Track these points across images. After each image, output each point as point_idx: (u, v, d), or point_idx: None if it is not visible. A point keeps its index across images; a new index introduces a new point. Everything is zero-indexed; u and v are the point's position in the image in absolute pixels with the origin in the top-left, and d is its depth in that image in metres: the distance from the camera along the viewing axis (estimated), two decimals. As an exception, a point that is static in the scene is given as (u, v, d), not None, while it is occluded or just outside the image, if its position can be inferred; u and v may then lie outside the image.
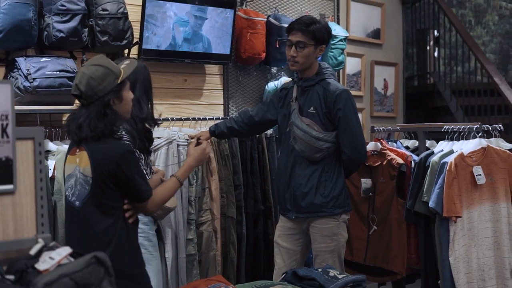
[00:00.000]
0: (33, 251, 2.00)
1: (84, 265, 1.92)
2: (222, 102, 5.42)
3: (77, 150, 3.03)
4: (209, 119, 4.80)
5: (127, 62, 3.19)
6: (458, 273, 3.89)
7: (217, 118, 4.87)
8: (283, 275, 3.45)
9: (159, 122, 4.05)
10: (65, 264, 1.92)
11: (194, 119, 4.73)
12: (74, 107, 3.24)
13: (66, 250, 1.97)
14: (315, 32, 3.86)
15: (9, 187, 2.03)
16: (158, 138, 4.29)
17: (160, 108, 4.97)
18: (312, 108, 3.87)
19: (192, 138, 4.05)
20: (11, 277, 1.86)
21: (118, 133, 3.09)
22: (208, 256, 4.42)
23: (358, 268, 4.36)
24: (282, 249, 4.03)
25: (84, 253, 2.01)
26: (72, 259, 1.96)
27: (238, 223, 4.65)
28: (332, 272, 3.35)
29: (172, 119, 4.47)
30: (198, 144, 3.59)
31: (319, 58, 5.71)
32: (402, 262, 4.24)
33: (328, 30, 3.97)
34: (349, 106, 3.84)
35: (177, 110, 5.09)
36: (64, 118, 4.37)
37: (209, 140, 4.14)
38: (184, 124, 4.77)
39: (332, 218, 3.88)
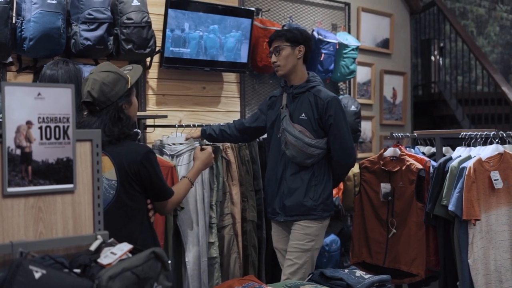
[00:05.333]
0: (93, 247, 2.10)
1: (144, 260, 2.02)
2: (239, 109, 5.54)
3: None
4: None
5: (129, 68, 3.22)
6: (477, 275, 3.99)
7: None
8: (309, 276, 3.55)
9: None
10: (126, 259, 2.02)
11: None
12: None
13: (127, 246, 2.07)
14: (286, 34, 4.08)
15: (69, 186, 2.13)
16: (181, 144, 4.39)
17: (180, 115, 5.09)
18: (303, 114, 4.01)
19: (186, 139, 4.32)
20: (77, 270, 1.95)
21: (132, 136, 3.13)
22: (229, 259, 4.51)
23: (377, 271, 4.43)
24: (283, 251, 4.17)
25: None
26: (130, 255, 2.06)
27: (259, 227, 4.74)
28: (358, 273, 3.46)
29: (194, 126, 4.57)
30: (202, 149, 3.74)
31: (331, 66, 5.88)
32: (422, 264, 4.33)
33: (301, 31, 4.16)
34: (339, 113, 3.99)
35: (196, 117, 5.20)
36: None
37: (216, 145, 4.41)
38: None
39: (317, 221, 4.03)
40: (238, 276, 4.46)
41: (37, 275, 1.81)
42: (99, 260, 2.01)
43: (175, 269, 4.42)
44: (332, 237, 5.54)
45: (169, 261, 4.23)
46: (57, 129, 2.08)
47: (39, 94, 2.04)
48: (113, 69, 3.08)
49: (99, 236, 2.15)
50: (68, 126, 2.10)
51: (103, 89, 3.00)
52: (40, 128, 2.04)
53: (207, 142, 4.41)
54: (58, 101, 2.08)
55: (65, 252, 2.12)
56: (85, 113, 3.21)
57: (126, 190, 3.01)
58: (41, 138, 2.04)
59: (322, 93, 4.01)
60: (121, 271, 1.94)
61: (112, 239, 2.16)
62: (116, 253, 2.04)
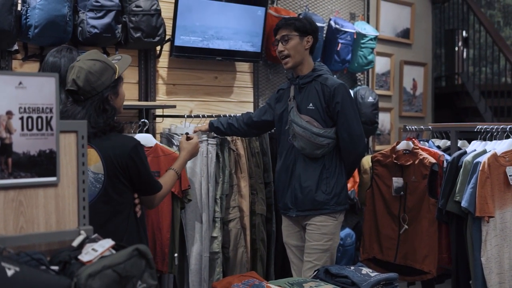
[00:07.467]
0: (75, 243, 2.02)
1: (127, 257, 1.94)
2: (252, 100, 5.43)
3: None
4: (240, 116, 4.81)
5: (118, 57, 3.12)
6: (490, 273, 3.87)
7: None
8: (315, 272, 3.45)
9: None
10: (107, 256, 1.94)
11: (224, 116, 4.75)
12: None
13: (108, 242, 1.99)
14: (294, 23, 3.95)
15: (52, 179, 2.05)
16: (190, 136, 4.30)
17: (191, 105, 5.00)
18: (311, 104, 3.91)
19: (194, 132, 4.16)
20: (55, 267, 1.88)
21: (118, 128, 3.03)
22: (236, 253, 4.41)
23: (388, 267, 4.33)
24: (294, 248, 4.08)
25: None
26: (114, 251, 1.98)
27: (268, 221, 4.65)
28: (364, 270, 3.35)
29: (204, 116, 4.48)
30: (188, 138, 3.66)
31: (349, 57, 5.76)
32: (433, 261, 4.21)
33: (310, 21, 4.06)
34: (346, 100, 3.87)
35: (207, 108, 5.11)
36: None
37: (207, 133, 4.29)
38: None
39: (331, 217, 3.92)
40: (245, 270, 4.37)
41: (9, 273, 1.72)
42: (79, 257, 1.93)
43: (180, 262, 4.32)
44: (347, 231, 5.44)
45: (175, 254, 4.15)
46: (39, 119, 1.99)
47: (20, 83, 1.96)
48: (101, 58, 2.98)
49: (82, 232, 2.07)
50: (51, 117, 2.02)
51: (89, 78, 2.90)
52: (21, 118, 1.95)
53: (215, 135, 4.32)
54: (41, 90, 2.00)
55: (47, 248, 2.05)
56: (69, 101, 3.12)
57: (113, 184, 2.92)
58: (22, 129, 1.96)
59: (328, 81, 3.90)
60: (101, 269, 1.86)
61: (96, 234, 2.08)
62: (97, 250, 1.95)
